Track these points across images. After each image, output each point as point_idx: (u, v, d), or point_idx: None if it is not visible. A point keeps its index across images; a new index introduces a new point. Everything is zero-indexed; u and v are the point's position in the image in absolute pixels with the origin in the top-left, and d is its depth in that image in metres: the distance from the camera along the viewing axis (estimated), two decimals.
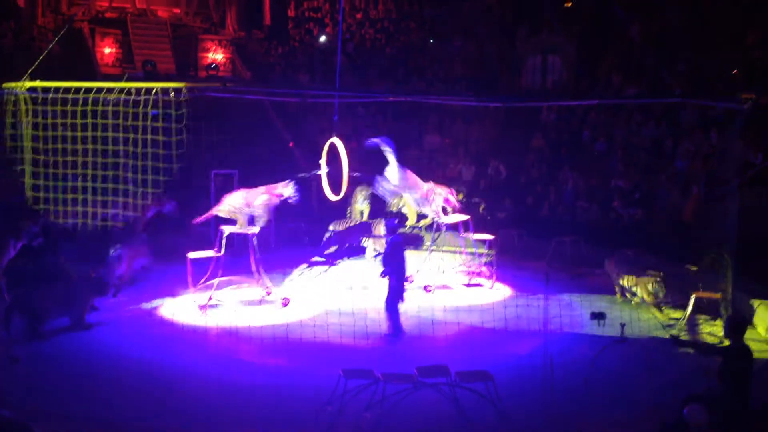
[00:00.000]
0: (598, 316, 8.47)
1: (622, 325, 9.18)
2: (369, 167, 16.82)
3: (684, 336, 10.35)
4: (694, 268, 11.45)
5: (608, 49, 20.64)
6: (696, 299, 10.96)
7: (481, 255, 13.63)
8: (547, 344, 8.39)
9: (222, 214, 12.33)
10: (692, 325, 10.89)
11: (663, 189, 15.45)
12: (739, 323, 7.31)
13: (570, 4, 22.24)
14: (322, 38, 23.15)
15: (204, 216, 12.59)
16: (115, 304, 11.77)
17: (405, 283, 10.75)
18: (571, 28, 20.95)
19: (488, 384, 7.95)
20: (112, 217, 14.35)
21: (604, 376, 8.77)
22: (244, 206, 12.09)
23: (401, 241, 10.95)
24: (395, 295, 10.49)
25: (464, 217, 13.48)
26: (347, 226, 15.30)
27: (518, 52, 22.06)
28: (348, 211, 16.38)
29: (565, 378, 8.44)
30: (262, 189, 12.28)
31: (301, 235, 16.62)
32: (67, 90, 11.26)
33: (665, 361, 9.23)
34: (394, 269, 10.53)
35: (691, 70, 17.81)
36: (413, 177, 13.06)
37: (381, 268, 10.75)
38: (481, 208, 16.30)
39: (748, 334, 7.52)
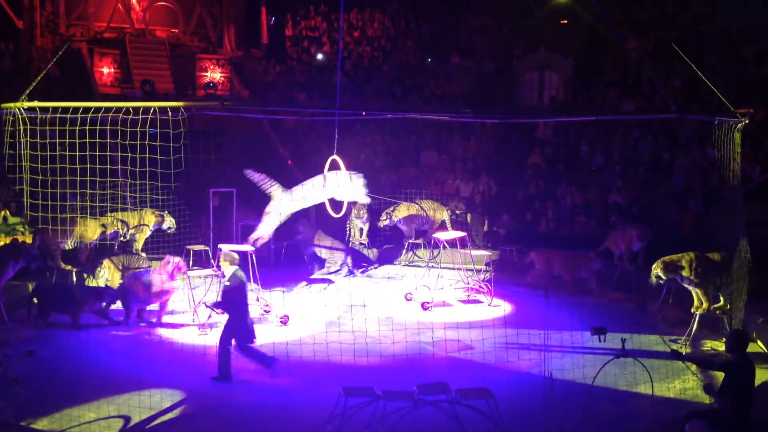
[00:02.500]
0: (599, 330, 8.44)
1: (623, 341, 9.13)
2: (370, 185, 16.86)
3: (686, 350, 10.33)
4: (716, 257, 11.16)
5: (605, 65, 20.78)
6: (700, 316, 10.94)
7: (479, 271, 13.62)
8: (547, 360, 8.36)
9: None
10: (694, 340, 10.87)
11: (661, 204, 15.48)
12: (741, 338, 7.30)
13: (566, 21, 22.40)
14: (320, 57, 23.28)
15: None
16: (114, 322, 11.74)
17: (246, 320, 9.67)
18: (568, 44, 21.09)
19: (489, 401, 7.91)
20: (111, 235, 14.37)
21: (605, 393, 8.73)
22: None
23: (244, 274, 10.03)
24: (230, 333, 9.53)
25: (462, 234, 13.49)
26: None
27: (515, 68, 22.20)
28: (347, 228, 16.39)
29: (565, 394, 8.41)
30: None
31: (301, 253, 16.60)
32: (65, 110, 11.27)
33: (667, 377, 9.20)
34: (231, 304, 9.62)
35: (688, 86, 17.91)
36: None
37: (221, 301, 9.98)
38: (458, 211, 16.28)
39: (751, 349, 7.50)
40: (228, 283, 9.68)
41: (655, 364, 9.28)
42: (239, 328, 9.54)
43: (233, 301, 9.59)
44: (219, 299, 10.28)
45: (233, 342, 9.51)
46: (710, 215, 14.61)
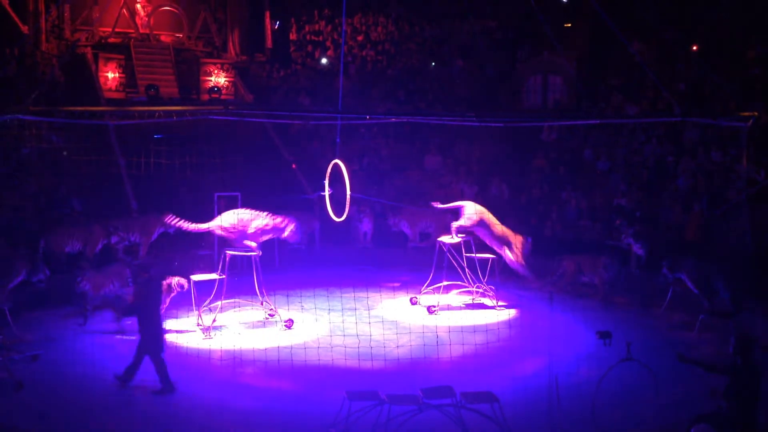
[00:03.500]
0: (604, 334, 8.42)
1: (628, 344, 9.11)
2: (374, 189, 16.90)
3: (691, 355, 10.29)
4: None
5: (608, 69, 20.76)
6: (704, 318, 10.92)
7: (484, 275, 13.60)
8: (552, 364, 8.34)
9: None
10: (700, 343, 10.84)
11: (665, 207, 15.45)
12: (747, 341, 7.26)
13: (570, 24, 22.39)
14: (324, 61, 23.31)
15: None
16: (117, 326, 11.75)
17: (159, 326, 9.38)
18: (572, 47, 21.08)
19: (494, 405, 7.90)
20: (116, 240, 14.40)
21: (610, 397, 8.71)
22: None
23: (155, 276, 9.76)
24: (146, 341, 9.25)
25: (466, 238, 13.47)
26: None
27: (519, 72, 22.19)
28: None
29: (570, 398, 8.39)
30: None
31: (304, 256, 16.61)
32: (71, 114, 11.33)
33: (672, 381, 9.18)
34: (142, 309, 9.34)
35: (692, 89, 17.88)
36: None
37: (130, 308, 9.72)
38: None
39: None
40: (141, 289, 9.43)
41: (660, 368, 9.25)
42: (151, 332, 9.21)
43: (145, 307, 9.30)
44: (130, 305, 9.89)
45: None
46: (715, 219, 14.58)
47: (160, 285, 9.98)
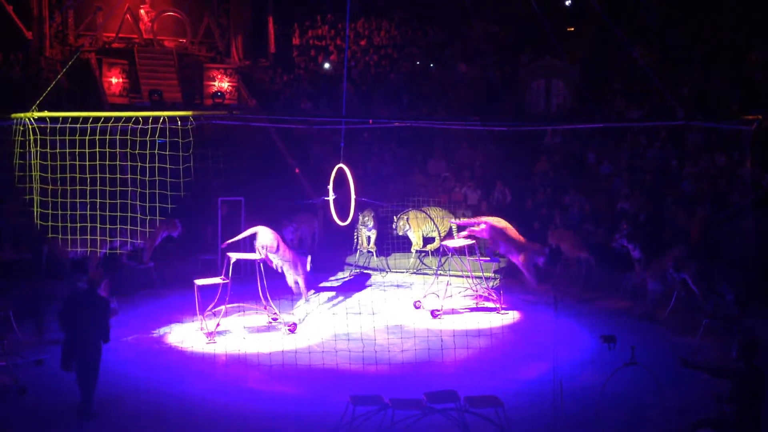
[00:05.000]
0: (608, 338, 8.42)
1: (633, 348, 9.11)
2: (376, 193, 16.91)
3: (695, 359, 10.28)
4: None
5: (611, 73, 20.76)
6: (708, 322, 10.90)
7: (488, 279, 13.60)
8: (556, 368, 8.34)
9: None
10: (704, 348, 10.82)
11: (669, 211, 15.42)
12: (750, 345, 7.25)
13: (572, 28, 22.42)
14: (327, 65, 23.35)
15: None
16: (122, 331, 11.76)
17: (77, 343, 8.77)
18: (574, 51, 21.09)
19: (498, 409, 7.89)
20: (121, 245, 14.42)
21: (614, 401, 8.70)
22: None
23: (83, 292, 9.26)
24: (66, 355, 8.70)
25: (470, 242, 13.48)
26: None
27: (522, 76, 22.20)
28: (355, 235, 16.42)
29: (574, 403, 8.38)
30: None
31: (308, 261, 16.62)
32: (74, 120, 11.35)
33: (676, 385, 9.16)
34: (68, 324, 8.78)
35: (695, 92, 17.87)
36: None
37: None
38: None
39: None
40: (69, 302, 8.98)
41: (664, 373, 9.25)
42: (76, 350, 8.71)
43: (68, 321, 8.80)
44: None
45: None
46: (719, 222, 14.56)
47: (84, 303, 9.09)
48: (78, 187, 11.96)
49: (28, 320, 11.78)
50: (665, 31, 20.15)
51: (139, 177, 11.64)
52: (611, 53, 20.62)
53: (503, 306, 13.12)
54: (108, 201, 12.28)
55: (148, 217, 14.74)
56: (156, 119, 11.13)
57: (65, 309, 8.87)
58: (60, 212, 12.24)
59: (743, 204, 10.92)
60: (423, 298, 13.40)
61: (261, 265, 12.14)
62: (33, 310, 11.74)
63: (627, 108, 19.10)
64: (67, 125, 11.45)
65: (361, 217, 16.01)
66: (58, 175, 11.99)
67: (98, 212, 12.15)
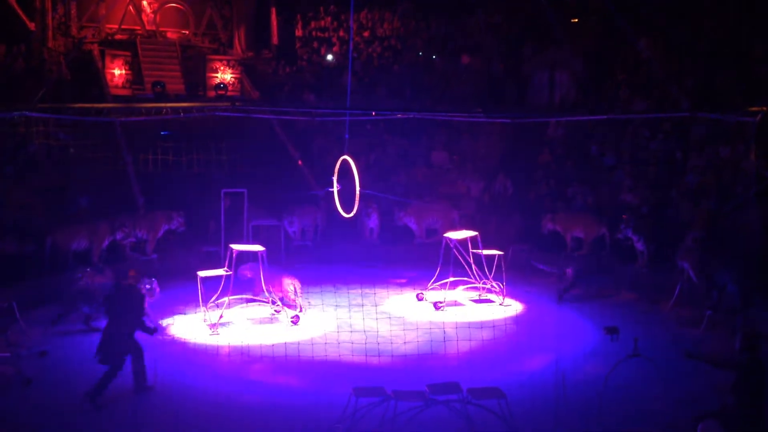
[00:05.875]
0: (612, 330, 8.41)
1: (636, 340, 9.11)
2: (380, 185, 16.90)
3: (698, 351, 10.27)
4: None
5: (615, 64, 20.67)
6: (711, 314, 10.89)
7: (491, 271, 13.59)
8: (559, 360, 8.34)
9: None
10: (707, 340, 10.81)
11: (673, 203, 15.38)
12: (753, 337, 7.25)
13: (576, 19, 22.29)
14: (330, 57, 23.30)
15: None
16: None
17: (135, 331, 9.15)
18: (578, 43, 20.99)
19: (500, 401, 7.90)
20: (122, 236, 14.45)
21: (618, 393, 8.69)
22: None
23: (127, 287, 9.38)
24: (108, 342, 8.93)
25: (473, 233, 13.47)
26: None
27: (525, 68, 22.11)
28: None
29: (577, 394, 8.38)
30: None
31: (309, 253, 16.64)
32: (77, 111, 11.36)
33: (679, 377, 9.16)
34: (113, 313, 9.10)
35: (699, 85, 17.78)
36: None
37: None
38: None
39: None
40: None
41: (667, 364, 9.24)
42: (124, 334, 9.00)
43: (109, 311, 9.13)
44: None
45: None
46: (723, 214, 14.51)
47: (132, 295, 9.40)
48: (81, 179, 11.99)
49: (32, 311, 11.80)
50: (670, 23, 20.03)
51: (141, 169, 11.66)
52: (616, 45, 20.52)
53: (506, 298, 13.11)
54: (111, 192, 12.29)
55: (151, 210, 14.78)
56: (159, 111, 11.14)
57: (107, 303, 9.23)
58: (63, 203, 12.26)
59: (747, 196, 10.89)
60: (426, 290, 13.39)
61: (263, 256, 12.12)
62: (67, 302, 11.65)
63: (631, 100, 19.02)
64: (70, 117, 11.48)
65: (365, 209, 15.98)
66: (62, 167, 12.01)
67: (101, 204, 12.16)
